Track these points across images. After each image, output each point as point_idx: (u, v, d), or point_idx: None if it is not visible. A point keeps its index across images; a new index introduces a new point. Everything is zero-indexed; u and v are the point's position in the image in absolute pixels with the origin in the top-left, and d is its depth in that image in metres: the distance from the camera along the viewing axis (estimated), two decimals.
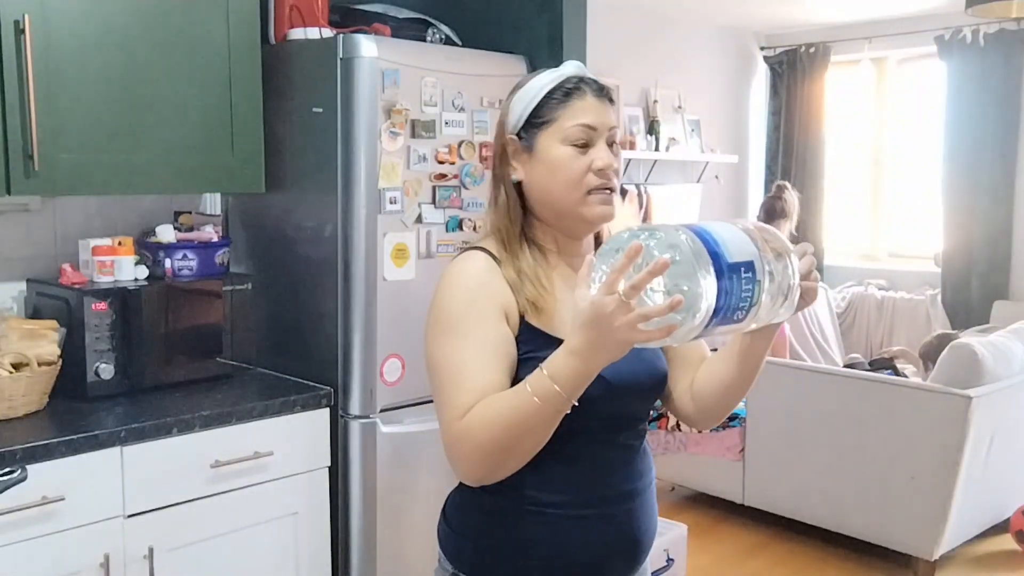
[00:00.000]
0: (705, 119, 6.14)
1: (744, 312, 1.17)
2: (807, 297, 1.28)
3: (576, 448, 1.34)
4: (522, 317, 1.41)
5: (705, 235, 1.15)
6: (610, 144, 1.45)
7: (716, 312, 1.12)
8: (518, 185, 1.48)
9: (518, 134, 1.46)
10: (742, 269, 1.15)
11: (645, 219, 5.70)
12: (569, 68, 1.48)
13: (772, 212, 5.46)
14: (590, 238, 1.53)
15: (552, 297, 1.43)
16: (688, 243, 1.13)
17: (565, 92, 1.44)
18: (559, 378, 1.22)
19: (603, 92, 1.46)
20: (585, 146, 1.42)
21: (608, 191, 1.43)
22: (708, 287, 1.11)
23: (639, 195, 5.63)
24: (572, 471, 1.38)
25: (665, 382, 1.53)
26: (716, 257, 1.13)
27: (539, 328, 1.41)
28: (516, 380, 1.36)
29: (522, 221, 1.47)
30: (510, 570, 1.46)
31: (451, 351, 1.37)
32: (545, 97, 1.44)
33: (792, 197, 5.47)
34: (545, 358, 1.33)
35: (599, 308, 1.14)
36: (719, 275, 1.12)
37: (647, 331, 1.12)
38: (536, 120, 1.44)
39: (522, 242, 1.46)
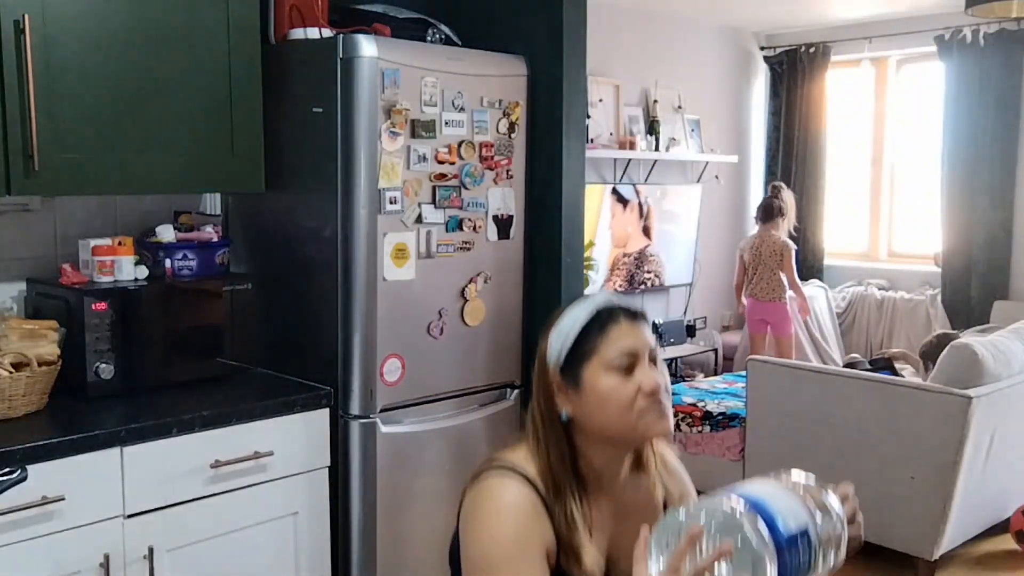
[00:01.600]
0: (705, 119, 6.14)
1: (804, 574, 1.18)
2: (853, 544, 1.27)
3: None
4: (557, 558, 1.40)
5: (761, 506, 1.16)
6: (652, 361, 1.45)
7: None
8: (567, 422, 1.46)
9: (560, 370, 1.45)
10: (799, 540, 1.16)
11: (645, 227, 5.70)
12: (601, 298, 1.49)
13: (770, 212, 5.49)
14: (626, 469, 1.51)
15: (591, 546, 1.43)
16: (748, 524, 1.14)
17: (601, 323, 1.44)
18: None
19: (636, 316, 1.47)
20: (630, 370, 1.42)
21: (663, 409, 1.43)
22: (771, 565, 1.13)
23: (639, 205, 5.63)
24: None
25: None
26: (774, 532, 1.14)
27: (566, 570, 1.40)
28: None
29: (572, 459, 1.46)
30: None
31: None
32: (582, 330, 1.44)
33: (788, 196, 5.51)
34: None
35: None
36: (779, 550, 1.13)
37: None
38: (577, 354, 1.44)
39: (571, 484, 1.43)
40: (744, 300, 5.64)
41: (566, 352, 1.45)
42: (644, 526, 1.22)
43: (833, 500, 1.24)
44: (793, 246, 5.50)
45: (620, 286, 5.60)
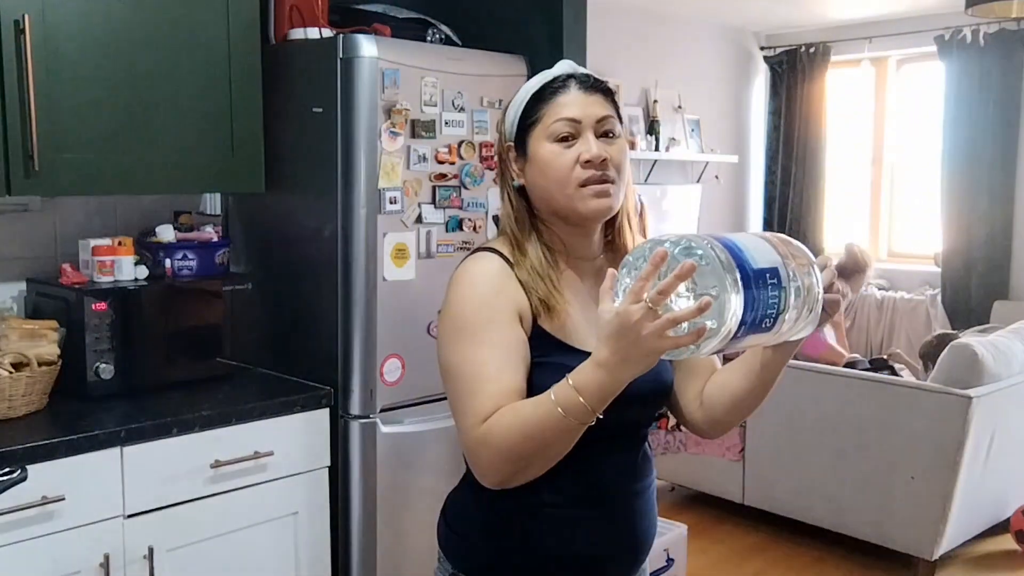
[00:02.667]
0: (705, 119, 6.14)
1: (771, 321, 1.15)
2: (829, 309, 1.26)
3: (579, 451, 1.34)
4: (534, 320, 1.40)
5: (728, 243, 1.14)
6: (604, 135, 1.43)
7: (744, 320, 1.11)
8: (521, 189, 1.48)
9: (515, 140, 1.47)
10: (767, 275, 1.13)
11: (641, 226, 5.70)
12: (558, 67, 1.48)
13: (849, 270, 5.41)
14: (600, 242, 1.52)
15: (563, 299, 1.43)
16: (714, 249, 1.11)
17: (551, 90, 1.44)
18: (585, 391, 1.20)
19: (591, 84, 1.45)
20: (571, 139, 1.42)
21: (601, 183, 1.41)
22: (736, 293, 1.10)
23: (636, 202, 5.64)
24: (574, 472, 1.37)
25: (671, 391, 1.53)
26: (742, 263, 1.11)
27: (550, 333, 1.41)
28: (529, 383, 1.36)
29: (530, 224, 1.47)
30: (511, 570, 1.46)
31: (468, 355, 1.36)
32: (532, 98, 1.45)
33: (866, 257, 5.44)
34: (555, 363, 1.33)
35: (625, 318, 1.12)
36: (745, 282, 1.10)
37: (676, 338, 1.10)
38: (525, 123, 1.45)
39: (532, 243, 1.45)
40: None
41: (516, 120, 1.46)
42: (611, 268, 1.20)
43: (815, 266, 1.23)
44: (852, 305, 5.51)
45: None
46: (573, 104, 1.43)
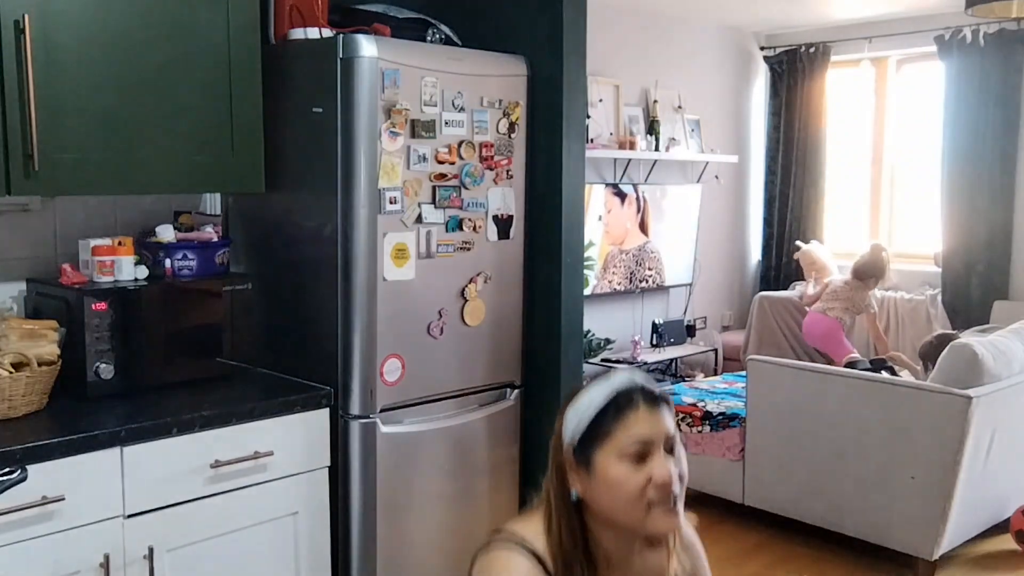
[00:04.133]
0: (705, 119, 6.14)
1: None
2: None
3: None
4: None
5: None
6: (669, 450, 1.42)
7: None
8: (577, 502, 1.44)
9: (574, 450, 1.43)
10: None
11: (642, 223, 5.70)
12: (620, 380, 1.45)
13: (870, 271, 5.44)
14: (638, 549, 1.49)
15: None
16: None
17: (618, 407, 1.41)
18: None
19: (656, 400, 1.44)
20: (643, 458, 1.39)
21: (673, 503, 1.40)
22: None
23: (637, 198, 5.64)
24: None
25: None
26: None
27: None
28: None
29: (584, 540, 1.43)
30: None
31: None
32: (599, 413, 1.42)
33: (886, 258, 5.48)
34: None
35: None
36: None
37: None
38: (591, 437, 1.41)
39: (583, 566, 1.42)
40: (807, 308, 5.65)
41: (580, 433, 1.42)
42: None
43: None
44: (874, 310, 5.52)
45: (619, 284, 5.60)
46: (644, 423, 1.40)
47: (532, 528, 1.44)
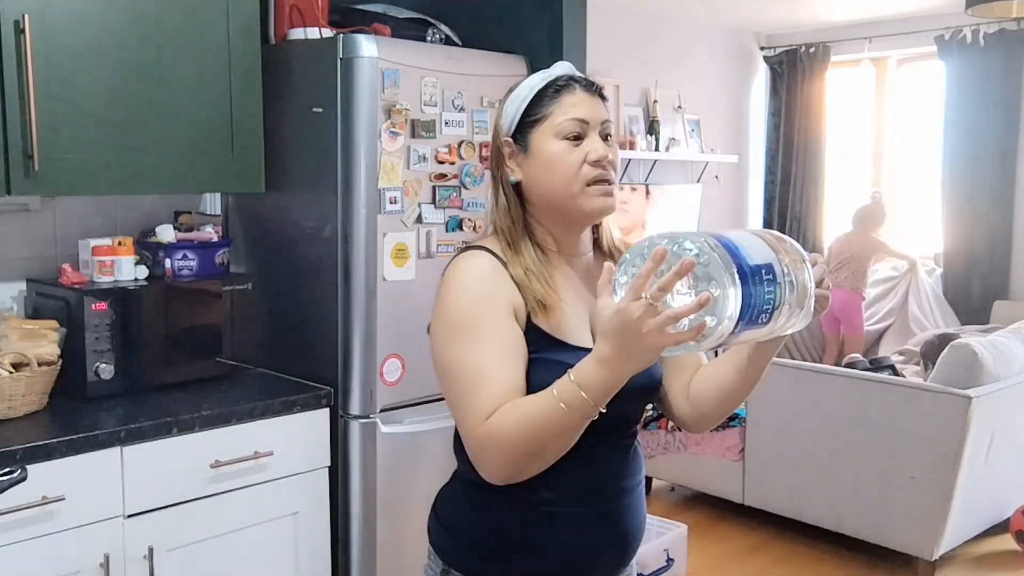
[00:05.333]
0: (705, 119, 6.14)
1: (767, 316, 1.17)
2: (820, 305, 1.28)
3: (572, 447, 1.34)
4: (528, 317, 1.41)
5: (725, 240, 1.16)
6: (604, 137, 1.45)
7: (741, 316, 1.12)
8: (517, 186, 1.48)
9: (513, 136, 1.47)
10: (763, 271, 1.15)
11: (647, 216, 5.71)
12: (558, 68, 1.50)
13: (874, 217, 5.59)
14: (589, 239, 1.54)
15: (556, 296, 1.44)
16: (711, 247, 1.13)
17: (556, 89, 1.45)
18: (587, 386, 1.22)
19: (593, 87, 1.48)
20: (578, 139, 1.43)
21: (606, 183, 1.44)
22: (733, 290, 1.12)
23: (645, 188, 5.66)
24: (566, 468, 1.37)
25: (660, 386, 1.54)
26: (739, 260, 1.13)
27: (545, 330, 1.41)
28: (525, 381, 1.37)
29: (523, 221, 1.48)
30: (500, 564, 1.46)
31: (466, 354, 1.36)
32: (536, 96, 1.46)
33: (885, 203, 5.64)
34: (551, 360, 1.34)
35: (626, 314, 1.13)
36: (743, 278, 1.12)
37: (677, 334, 1.12)
38: (529, 119, 1.46)
39: (525, 241, 1.46)
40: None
41: (519, 116, 1.46)
42: (608, 263, 1.21)
43: (807, 262, 1.25)
44: (885, 244, 5.66)
45: None
46: (581, 105, 1.44)
47: (487, 239, 1.49)
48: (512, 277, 1.42)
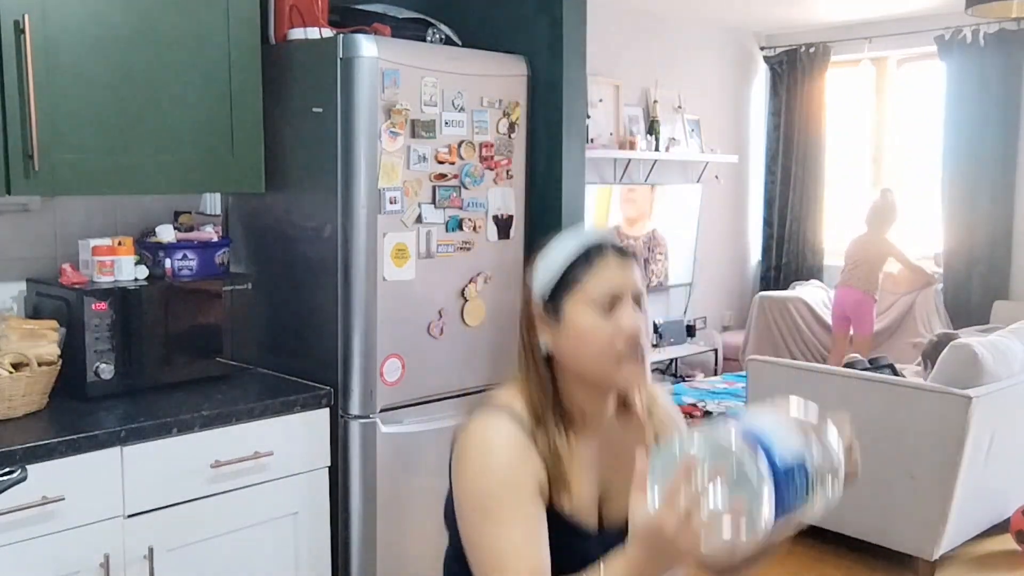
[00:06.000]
0: (705, 119, 6.15)
1: (801, 508, 1.17)
2: (851, 474, 1.27)
3: None
4: (549, 494, 1.39)
5: (758, 438, 1.15)
6: (636, 306, 1.42)
7: (776, 515, 1.12)
8: (548, 357, 1.45)
9: (544, 301, 1.44)
10: (795, 471, 1.15)
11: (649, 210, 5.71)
12: (591, 235, 1.47)
13: (884, 215, 5.56)
14: (614, 403, 1.50)
15: (578, 479, 1.42)
16: (744, 454, 1.13)
17: (589, 258, 1.42)
18: None
19: (626, 254, 1.45)
20: (612, 309, 1.39)
21: (640, 356, 1.40)
22: (767, 496, 1.11)
23: (652, 188, 5.67)
24: None
25: None
26: (772, 462, 1.13)
27: (560, 512, 1.40)
28: None
29: (552, 392, 1.44)
30: None
31: (493, 534, 1.34)
32: (570, 262, 1.43)
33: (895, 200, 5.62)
34: (556, 542, 1.33)
35: (659, 524, 1.13)
36: (776, 481, 1.12)
37: (711, 543, 1.12)
38: (562, 287, 1.42)
39: (552, 414, 1.42)
40: (833, 291, 5.72)
41: (551, 283, 1.43)
42: (641, 455, 1.19)
43: (831, 431, 1.23)
44: (898, 248, 5.61)
45: None
46: (615, 274, 1.41)
47: (510, 393, 1.45)
48: (537, 449, 1.39)
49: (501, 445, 1.37)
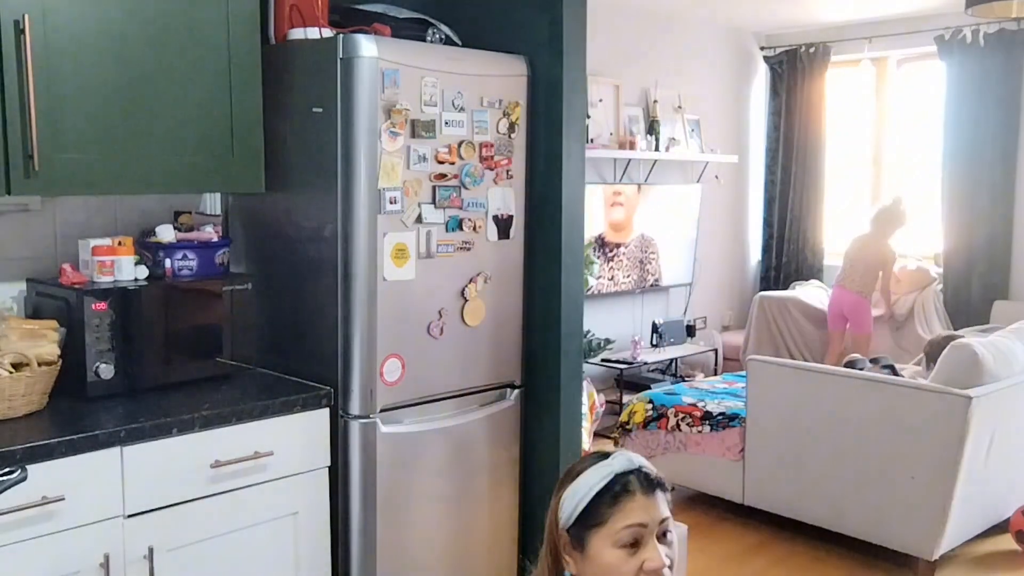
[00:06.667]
0: (705, 119, 6.15)
1: None
2: None
3: None
4: None
5: None
6: (662, 536, 1.44)
7: None
8: None
9: (568, 530, 1.45)
10: None
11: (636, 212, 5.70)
12: (619, 463, 1.47)
13: (891, 219, 5.54)
14: None
15: None
16: None
17: (614, 494, 1.43)
18: None
19: (652, 485, 1.45)
20: (636, 545, 1.41)
21: None
22: None
23: (639, 189, 5.66)
24: None
25: None
26: None
27: None
28: None
29: None
30: None
31: None
32: (595, 497, 1.44)
33: (906, 208, 5.59)
34: None
35: None
36: None
37: None
38: (587, 521, 1.43)
39: None
40: (831, 288, 5.71)
41: (576, 516, 1.44)
42: None
43: None
44: (896, 257, 5.56)
45: (627, 275, 5.60)
46: (640, 511, 1.42)
47: None
48: None
49: None
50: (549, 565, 1.48)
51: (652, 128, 5.68)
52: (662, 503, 1.45)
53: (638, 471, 1.46)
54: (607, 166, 5.53)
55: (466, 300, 2.69)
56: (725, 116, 6.41)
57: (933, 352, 4.03)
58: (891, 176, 6.26)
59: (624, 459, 1.48)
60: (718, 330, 6.44)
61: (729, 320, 6.62)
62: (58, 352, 2.23)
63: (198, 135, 2.40)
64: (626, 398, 5.04)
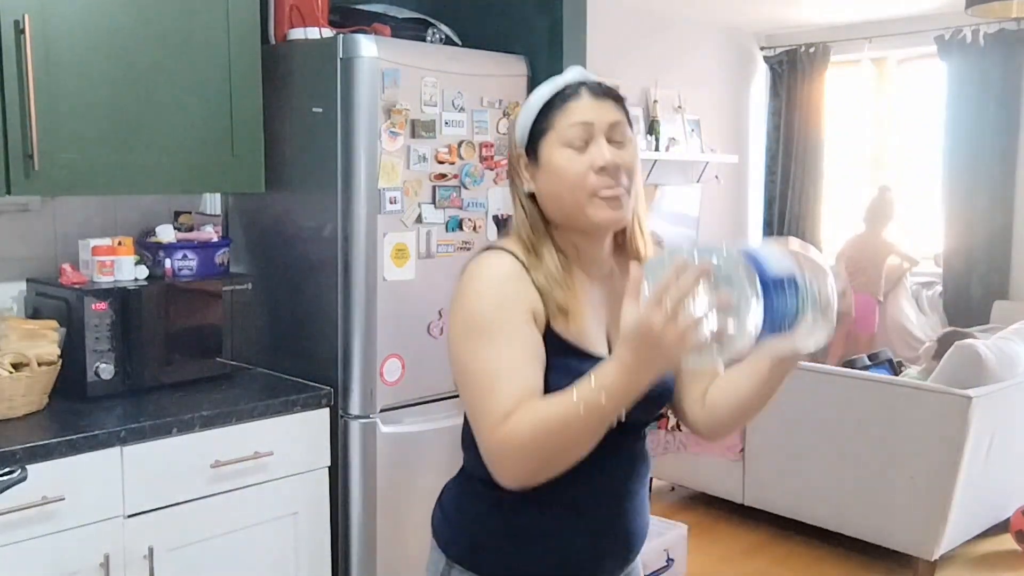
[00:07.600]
0: (705, 119, 6.14)
1: (789, 327, 1.17)
2: (843, 316, 1.28)
3: None
4: (547, 322, 1.40)
5: (746, 251, 1.16)
6: (616, 142, 1.42)
7: (764, 325, 1.13)
8: (532, 196, 1.47)
9: (526, 147, 1.46)
10: (785, 282, 1.16)
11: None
12: (569, 74, 1.48)
13: (881, 213, 5.59)
14: (610, 247, 1.51)
15: (577, 303, 1.43)
16: (732, 257, 1.14)
17: (563, 98, 1.44)
18: (608, 391, 1.21)
19: (603, 91, 1.46)
20: (584, 146, 1.41)
21: (615, 191, 1.40)
22: (755, 299, 1.12)
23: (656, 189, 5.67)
24: (574, 469, 1.36)
25: (672, 392, 1.53)
26: (760, 270, 1.14)
27: (563, 336, 1.40)
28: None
29: (544, 229, 1.46)
30: (504, 562, 1.46)
31: (485, 355, 1.35)
32: (545, 106, 1.45)
33: (893, 198, 5.64)
34: (567, 366, 1.34)
35: (647, 322, 1.13)
36: (764, 287, 1.13)
37: (697, 343, 1.11)
38: (537, 129, 1.45)
39: (547, 248, 1.45)
40: None
41: (528, 126, 1.46)
42: (635, 265, 1.20)
43: (827, 272, 1.24)
44: (892, 247, 5.63)
45: None
46: (585, 109, 1.42)
47: (509, 240, 1.49)
48: (534, 282, 1.41)
49: (496, 273, 1.42)
50: (515, 190, 1.50)
51: (652, 128, 5.67)
52: (613, 108, 1.44)
53: (591, 81, 1.47)
54: None
55: None
56: (725, 116, 6.41)
57: (939, 350, 4.04)
58: (891, 176, 6.25)
59: (577, 71, 1.49)
60: None
61: None
62: (58, 352, 2.23)
63: (198, 135, 2.41)
64: None
